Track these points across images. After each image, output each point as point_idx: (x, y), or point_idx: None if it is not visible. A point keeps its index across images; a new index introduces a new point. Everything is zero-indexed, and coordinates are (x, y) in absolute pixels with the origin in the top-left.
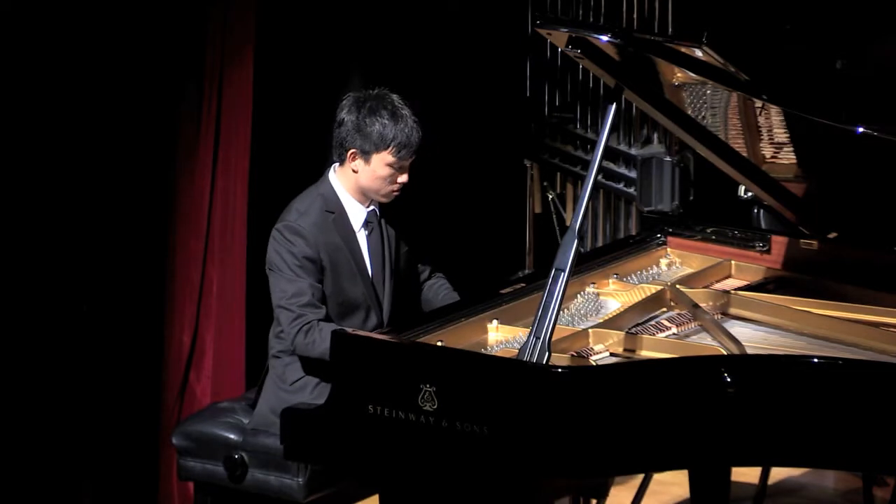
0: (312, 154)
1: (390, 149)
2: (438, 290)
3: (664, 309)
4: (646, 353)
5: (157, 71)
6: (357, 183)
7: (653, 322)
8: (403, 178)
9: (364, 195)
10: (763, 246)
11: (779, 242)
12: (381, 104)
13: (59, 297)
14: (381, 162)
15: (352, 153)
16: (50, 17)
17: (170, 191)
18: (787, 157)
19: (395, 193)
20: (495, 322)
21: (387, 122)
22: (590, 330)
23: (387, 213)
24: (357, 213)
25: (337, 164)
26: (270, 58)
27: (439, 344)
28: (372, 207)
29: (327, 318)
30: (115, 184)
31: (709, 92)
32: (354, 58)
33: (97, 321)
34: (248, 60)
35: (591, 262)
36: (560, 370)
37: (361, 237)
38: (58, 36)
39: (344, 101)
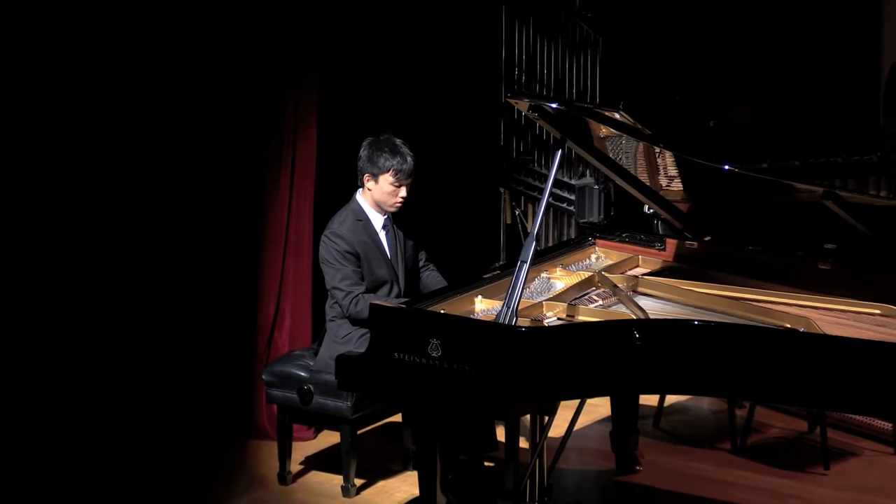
0: (355, 185)
1: (390, 172)
2: (434, 279)
3: (594, 288)
4: (582, 318)
5: (252, 128)
6: (372, 198)
7: (586, 297)
8: (403, 193)
9: (380, 207)
10: (661, 246)
11: (671, 243)
12: (385, 143)
13: (197, 283)
14: (385, 181)
15: (366, 176)
16: (184, 89)
17: (260, 210)
18: (677, 185)
19: (398, 204)
20: (480, 297)
21: (388, 155)
22: (543, 302)
23: (397, 220)
24: (378, 220)
25: (360, 190)
26: (329, 119)
27: (442, 311)
28: (387, 216)
29: (367, 292)
30: (226, 207)
31: (624, 142)
32: (386, 121)
33: (215, 298)
34: (313, 120)
35: (544, 257)
36: (523, 329)
37: (382, 236)
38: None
39: (364, 142)
